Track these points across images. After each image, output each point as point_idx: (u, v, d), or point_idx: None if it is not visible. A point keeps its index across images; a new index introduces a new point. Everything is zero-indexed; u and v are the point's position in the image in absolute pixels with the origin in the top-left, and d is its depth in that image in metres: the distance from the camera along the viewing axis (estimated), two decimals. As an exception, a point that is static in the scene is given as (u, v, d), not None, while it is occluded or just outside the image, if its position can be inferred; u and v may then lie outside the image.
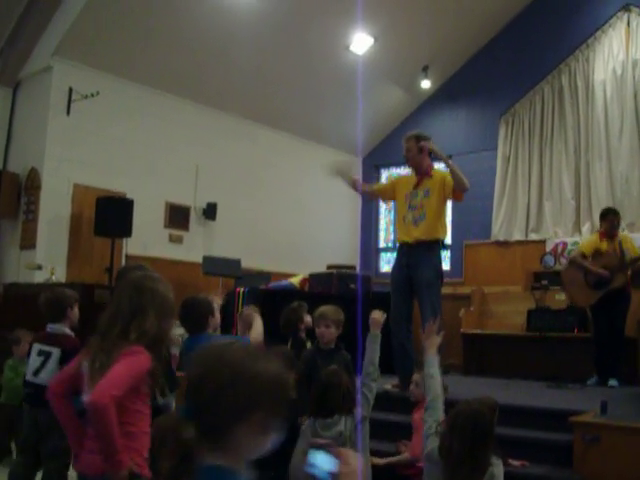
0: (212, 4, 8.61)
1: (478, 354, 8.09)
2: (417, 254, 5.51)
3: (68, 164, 8.41)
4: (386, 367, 6.30)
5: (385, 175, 12.35)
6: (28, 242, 8.34)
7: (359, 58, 10.12)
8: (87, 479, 2.62)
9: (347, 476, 1.78)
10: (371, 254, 12.44)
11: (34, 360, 4.04)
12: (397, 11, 9.75)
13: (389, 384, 5.63)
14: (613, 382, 6.50)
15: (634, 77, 9.67)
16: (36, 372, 4.00)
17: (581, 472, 4.16)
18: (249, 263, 9.42)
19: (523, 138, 10.68)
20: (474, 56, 11.38)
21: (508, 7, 10.73)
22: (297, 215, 11.22)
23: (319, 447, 1.88)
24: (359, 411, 3.59)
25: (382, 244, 12.52)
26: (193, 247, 9.70)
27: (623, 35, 9.82)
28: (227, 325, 5.98)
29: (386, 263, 12.08)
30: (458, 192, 5.50)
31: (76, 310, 4.16)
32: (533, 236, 10.24)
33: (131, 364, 2.49)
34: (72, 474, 3.29)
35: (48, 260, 8.07)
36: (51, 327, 4.06)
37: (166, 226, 9.53)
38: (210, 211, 9.90)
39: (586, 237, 8.65)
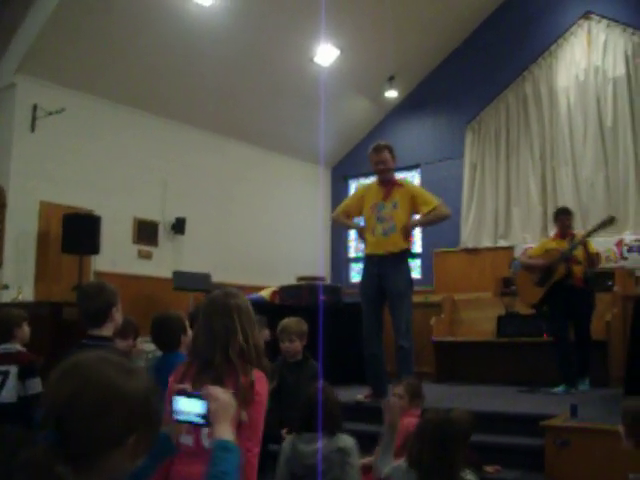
0: (177, 19, 8.61)
1: (450, 361, 8.10)
2: (388, 264, 5.55)
3: (34, 181, 8.33)
4: (357, 378, 6.35)
5: (354, 185, 12.36)
6: (-6, 261, 8.22)
7: (323, 69, 10.18)
8: None
9: (220, 411, 1.75)
10: (341, 264, 12.47)
11: (-7, 381, 4.03)
12: (362, 22, 9.84)
13: (360, 395, 5.63)
14: (584, 387, 6.44)
15: (596, 83, 9.83)
16: (-3, 392, 3.99)
17: (552, 476, 4.19)
18: (220, 277, 9.36)
19: (489, 145, 10.80)
20: (439, 66, 11.51)
21: (472, 17, 10.89)
22: (267, 227, 11.21)
23: (180, 393, 1.82)
24: None
25: (352, 254, 12.56)
26: (162, 262, 9.64)
27: (584, 42, 9.99)
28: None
29: (357, 273, 12.09)
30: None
31: (25, 328, 4.20)
32: (502, 242, 10.33)
33: (262, 407, 2.27)
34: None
35: (15, 279, 7.97)
36: (2, 348, 4.07)
37: (135, 242, 9.47)
38: (179, 226, 9.86)
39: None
